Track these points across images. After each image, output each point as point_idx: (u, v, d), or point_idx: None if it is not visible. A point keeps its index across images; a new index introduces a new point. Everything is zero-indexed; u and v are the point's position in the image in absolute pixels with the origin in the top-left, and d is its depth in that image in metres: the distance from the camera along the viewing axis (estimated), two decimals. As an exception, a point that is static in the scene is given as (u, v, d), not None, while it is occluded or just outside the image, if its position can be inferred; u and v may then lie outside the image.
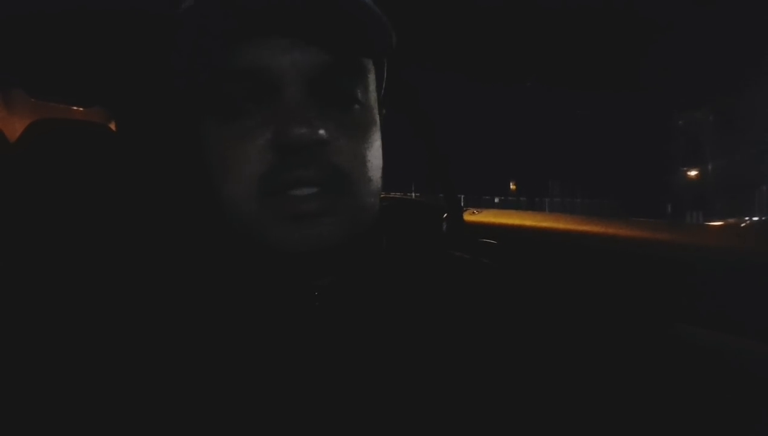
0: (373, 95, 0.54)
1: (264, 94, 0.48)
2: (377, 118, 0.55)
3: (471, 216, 1.80)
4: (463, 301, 0.58)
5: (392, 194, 3.57)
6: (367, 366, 0.52)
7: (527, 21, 1.45)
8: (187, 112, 0.52)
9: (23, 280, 0.60)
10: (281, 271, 0.52)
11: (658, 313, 1.23)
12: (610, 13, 1.40)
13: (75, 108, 1.53)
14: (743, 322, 1.08)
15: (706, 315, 1.15)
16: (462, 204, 1.84)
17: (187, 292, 0.52)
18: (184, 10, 0.47)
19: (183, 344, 0.49)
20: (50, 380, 0.47)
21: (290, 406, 0.49)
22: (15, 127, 1.13)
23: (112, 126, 1.34)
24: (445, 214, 1.70)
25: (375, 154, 0.52)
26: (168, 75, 0.56)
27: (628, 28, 1.48)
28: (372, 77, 0.54)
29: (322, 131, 0.47)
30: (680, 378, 1.09)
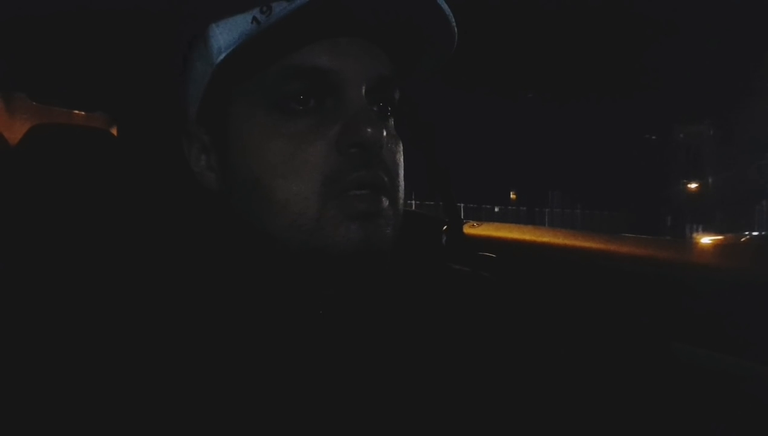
0: None
1: (324, 95, 0.49)
2: None
3: (471, 229, 1.80)
4: (463, 315, 0.59)
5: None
6: (369, 376, 0.52)
7: (528, 33, 1.45)
8: (223, 109, 0.52)
9: (24, 282, 0.60)
10: (294, 278, 0.52)
11: (655, 331, 1.23)
12: (611, 24, 1.41)
13: (76, 113, 1.54)
14: (742, 342, 1.08)
15: (704, 335, 1.14)
16: (462, 214, 1.84)
17: (189, 297, 0.52)
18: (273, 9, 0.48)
19: (185, 349, 0.49)
20: (51, 381, 0.47)
21: (292, 413, 0.49)
22: (16, 131, 1.13)
23: (114, 131, 1.34)
24: (445, 227, 1.70)
25: (403, 164, 0.54)
26: (179, 74, 0.57)
27: (630, 40, 1.48)
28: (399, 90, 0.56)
29: (385, 133, 0.48)
30: (676, 397, 1.09)
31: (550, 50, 1.58)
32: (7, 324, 0.50)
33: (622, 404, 1.06)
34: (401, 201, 0.53)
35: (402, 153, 0.54)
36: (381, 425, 0.51)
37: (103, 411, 0.46)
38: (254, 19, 0.49)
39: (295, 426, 0.49)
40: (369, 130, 0.47)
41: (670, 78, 1.66)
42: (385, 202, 0.50)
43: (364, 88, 0.50)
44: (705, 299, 1.21)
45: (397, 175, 0.52)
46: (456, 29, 0.50)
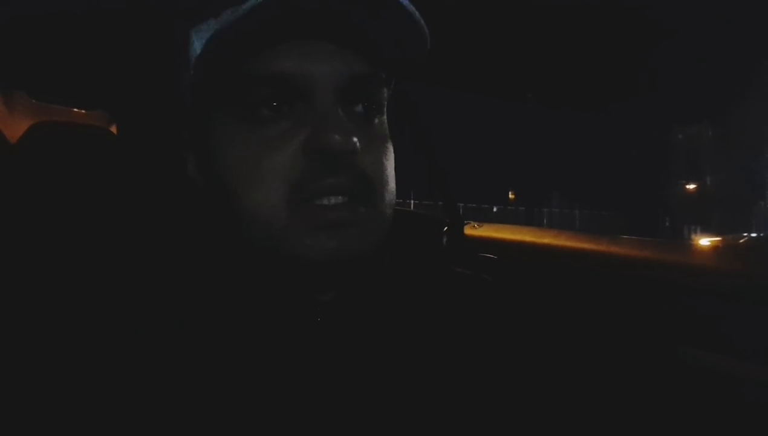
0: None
1: (295, 99, 0.48)
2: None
3: (471, 230, 1.80)
4: (464, 318, 0.58)
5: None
6: (368, 381, 0.52)
7: (526, 35, 1.45)
8: (203, 115, 0.51)
9: (21, 280, 0.59)
10: (287, 283, 0.51)
11: (657, 332, 1.23)
12: (609, 25, 1.41)
13: (76, 111, 1.54)
14: (741, 343, 1.08)
15: (703, 336, 1.14)
16: (461, 213, 1.84)
17: (185, 299, 0.52)
18: (233, 12, 0.45)
19: (181, 350, 0.49)
20: (51, 382, 0.46)
21: (290, 418, 0.49)
22: (16, 129, 1.13)
23: (113, 129, 1.34)
24: (445, 228, 1.70)
25: (392, 166, 0.52)
26: (177, 77, 0.56)
27: (629, 42, 1.49)
28: (386, 89, 0.54)
29: (355, 139, 0.46)
30: (679, 399, 1.09)
31: (549, 51, 1.59)
32: (4, 323, 0.50)
33: (623, 405, 1.06)
34: (385, 204, 0.51)
35: (389, 154, 0.52)
36: (380, 429, 0.50)
37: (98, 412, 0.46)
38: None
39: (293, 430, 0.49)
40: (335, 136, 0.45)
41: (668, 79, 1.66)
42: (360, 210, 0.48)
43: (334, 89, 0.48)
44: (703, 300, 1.21)
45: (377, 179, 0.50)
46: (420, 20, 0.47)
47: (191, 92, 0.51)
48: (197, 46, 0.49)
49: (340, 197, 0.47)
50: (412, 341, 0.55)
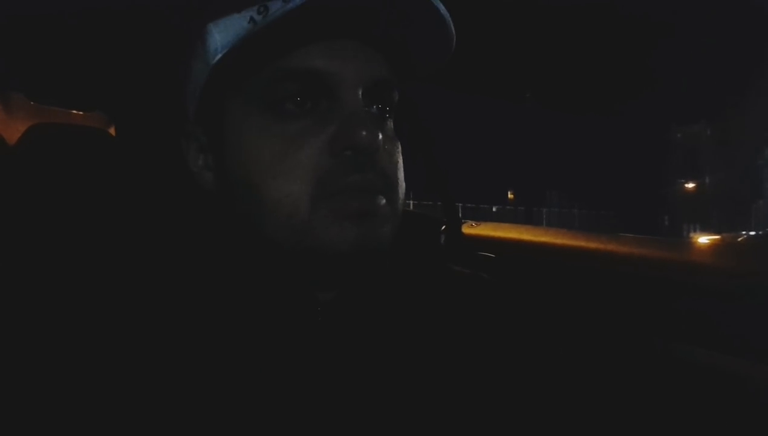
0: None
1: (319, 97, 0.49)
2: None
3: (469, 229, 1.80)
4: (463, 317, 0.59)
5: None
6: (368, 380, 0.52)
7: (525, 35, 1.45)
8: (218, 108, 0.52)
9: (21, 282, 0.59)
10: (293, 281, 0.52)
11: (654, 330, 1.23)
12: (608, 24, 1.41)
13: (74, 112, 1.54)
14: (740, 341, 1.08)
15: (701, 334, 1.14)
16: (460, 213, 1.84)
17: (186, 299, 0.52)
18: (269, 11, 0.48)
19: (182, 351, 0.49)
20: (51, 383, 0.47)
21: (290, 416, 0.49)
22: (14, 131, 1.13)
23: (112, 131, 1.34)
24: (444, 227, 1.70)
25: (402, 165, 0.54)
26: (180, 73, 0.57)
27: (627, 41, 1.49)
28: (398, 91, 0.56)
29: (381, 137, 0.48)
30: (674, 397, 1.09)
31: (548, 51, 1.59)
32: (4, 325, 0.50)
33: (622, 404, 1.06)
34: (399, 202, 0.53)
35: (400, 154, 0.54)
36: (381, 427, 0.51)
37: (101, 409, 0.46)
38: (251, 19, 0.49)
39: (294, 429, 0.49)
40: (363, 133, 0.47)
41: (667, 78, 1.67)
42: (381, 201, 0.50)
43: (360, 90, 0.50)
44: (702, 298, 1.21)
45: (394, 177, 0.52)
46: (453, 31, 0.50)
47: (203, 85, 0.52)
48: (218, 38, 0.50)
49: (365, 192, 0.49)
50: (411, 340, 0.55)
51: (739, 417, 1.01)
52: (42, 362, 0.47)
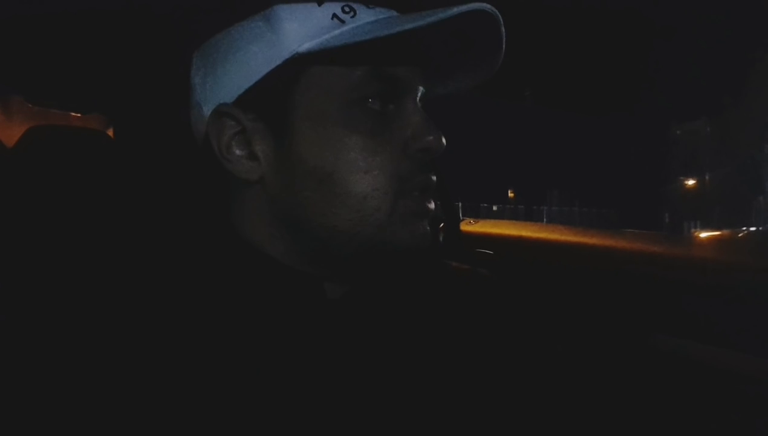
0: None
1: (391, 100, 0.53)
2: None
3: (468, 226, 1.80)
4: (462, 312, 0.59)
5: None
6: (372, 375, 0.52)
7: (524, 32, 1.45)
8: (285, 98, 0.52)
9: (21, 287, 0.60)
10: (305, 278, 0.53)
11: (652, 325, 1.23)
12: (607, 23, 1.41)
13: (73, 114, 1.53)
14: (742, 337, 1.08)
15: (702, 330, 1.15)
16: (460, 212, 1.84)
17: (196, 295, 0.52)
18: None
19: (191, 353, 0.49)
20: (51, 384, 0.47)
21: (296, 414, 0.49)
22: (13, 133, 1.13)
23: (110, 133, 1.34)
24: (442, 224, 1.70)
25: None
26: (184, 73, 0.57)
27: (626, 39, 1.49)
28: None
29: (445, 141, 0.53)
30: (674, 393, 1.09)
31: (546, 50, 1.59)
32: (4, 331, 0.50)
33: (621, 400, 1.06)
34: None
35: None
36: (383, 424, 0.51)
37: (103, 411, 0.46)
38: (334, 16, 0.51)
39: (300, 427, 0.49)
40: (432, 137, 0.52)
41: (666, 75, 1.67)
42: (432, 203, 0.54)
43: (419, 97, 0.54)
44: (702, 293, 1.21)
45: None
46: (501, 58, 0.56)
47: (269, 70, 0.51)
48: (297, 27, 0.50)
49: (425, 191, 0.53)
50: (414, 336, 0.56)
51: (738, 413, 1.01)
52: (42, 365, 0.47)
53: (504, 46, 0.54)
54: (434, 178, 0.54)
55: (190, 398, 0.47)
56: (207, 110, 0.54)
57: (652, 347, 1.19)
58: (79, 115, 1.54)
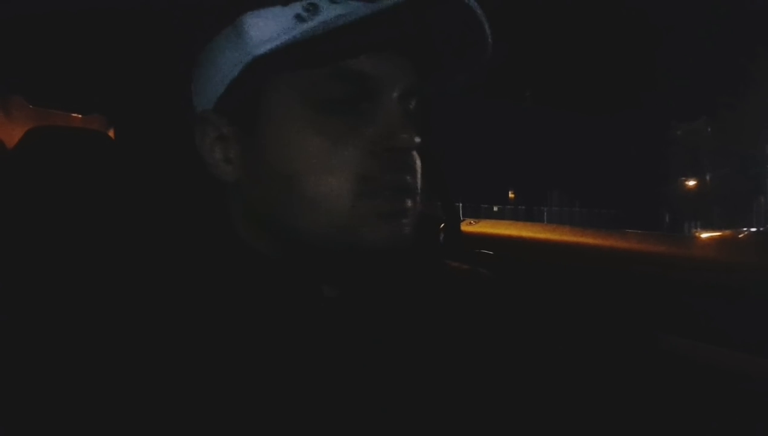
0: None
1: (363, 99, 0.51)
2: None
3: (468, 227, 1.80)
4: (462, 312, 0.59)
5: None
6: (370, 375, 0.52)
7: (524, 31, 1.45)
8: (254, 102, 0.52)
9: (22, 287, 0.59)
10: (301, 277, 0.53)
11: (653, 326, 1.23)
12: (608, 22, 1.41)
13: (74, 115, 1.54)
14: (742, 336, 1.08)
15: (703, 330, 1.14)
16: (461, 213, 1.84)
17: (192, 296, 0.52)
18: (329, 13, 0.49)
19: (189, 352, 0.49)
20: (52, 384, 0.47)
21: (294, 413, 0.49)
22: (13, 134, 1.13)
23: (111, 133, 1.34)
24: (442, 225, 1.70)
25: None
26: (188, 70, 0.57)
27: (627, 39, 1.49)
28: None
29: (417, 139, 0.50)
30: (674, 393, 1.09)
31: (546, 50, 1.59)
32: (5, 331, 0.50)
33: (622, 400, 1.06)
34: (420, 199, 0.55)
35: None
36: (382, 424, 0.51)
37: (104, 411, 0.46)
38: (298, 15, 0.49)
39: (298, 427, 0.49)
40: (403, 135, 0.50)
41: (666, 76, 1.67)
42: (409, 203, 0.52)
43: (397, 94, 0.51)
44: (702, 293, 1.21)
45: (419, 176, 0.54)
46: (490, 50, 0.53)
47: (237, 74, 0.52)
48: (262, 30, 0.50)
49: (400, 191, 0.51)
50: (412, 336, 0.55)
51: (739, 411, 1.01)
52: (43, 366, 0.47)
53: (489, 35, 0.51)
54: (409, 177, 0.51)
55: (189, 396, 0.47)
56: (194, 115, 0.56)
57: (652, 346, 1.19)
58: (79, 116, 1.54)
